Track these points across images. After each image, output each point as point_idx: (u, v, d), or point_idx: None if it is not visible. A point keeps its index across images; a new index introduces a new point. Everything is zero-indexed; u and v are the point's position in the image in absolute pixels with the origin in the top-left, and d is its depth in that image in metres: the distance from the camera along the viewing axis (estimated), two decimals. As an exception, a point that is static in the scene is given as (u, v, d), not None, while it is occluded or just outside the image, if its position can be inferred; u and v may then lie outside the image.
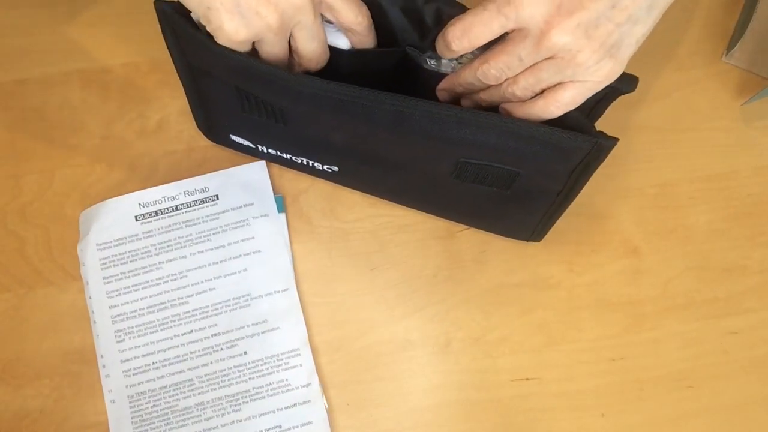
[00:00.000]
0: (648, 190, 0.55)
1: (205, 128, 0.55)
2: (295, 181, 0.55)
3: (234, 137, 0.52)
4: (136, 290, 0.51)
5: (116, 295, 0.51)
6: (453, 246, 0.54)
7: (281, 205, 0.54)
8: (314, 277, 0.53)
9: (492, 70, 0.41)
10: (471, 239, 0.54)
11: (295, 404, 0.49)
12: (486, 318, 0.52)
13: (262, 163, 0.55)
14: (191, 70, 0.48)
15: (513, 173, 0.44)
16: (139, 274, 0.52)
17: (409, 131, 0.42)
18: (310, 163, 0.52)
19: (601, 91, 0.41)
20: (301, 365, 0.50)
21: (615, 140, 0.41)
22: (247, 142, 0.52)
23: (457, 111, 0.41)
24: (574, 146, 0.41)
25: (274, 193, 0.54)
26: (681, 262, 0.54)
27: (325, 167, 0.51)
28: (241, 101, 0.47)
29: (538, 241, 0.53)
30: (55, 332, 0.51)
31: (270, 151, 0.52)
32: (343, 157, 0.50)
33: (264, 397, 0.49)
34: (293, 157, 0.52)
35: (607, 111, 0.57)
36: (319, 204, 0.55)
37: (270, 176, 0.54)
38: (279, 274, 0.52)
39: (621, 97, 0.57)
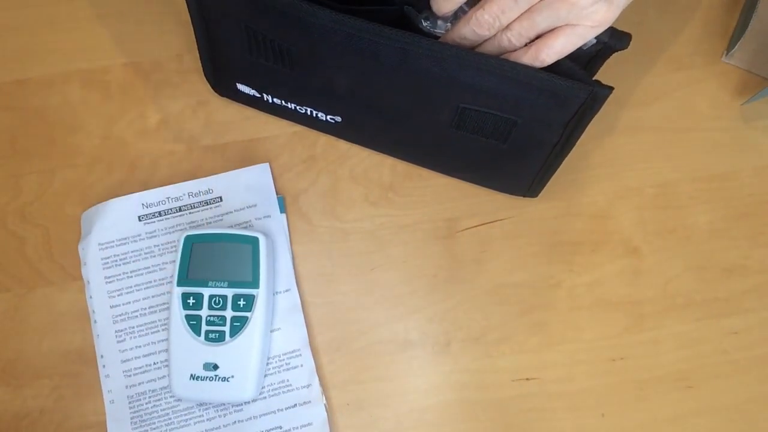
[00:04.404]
0: (648, 190, 0.55)
1: (212, 77, 0.55)
2: (295, 181, 0.55)
3: (240, 86, 0.53)
4: (138, 290, 0.51)
5: (118, 295, 0.51)
6: (453, 246, 0.54)
7: (282, 206, 0.54)
8: (314, 278, 0.53)
9: (486, 15, 0.40)
10: (471, 239, 0.54)
11: (296, 405, 0.49)
12: (486, 318, 0.52)
13: (266, 165, 0.55)
14: (202, 10, 0.48)
15: (511, 122, 0.45)
16: (142, 274, 0.52)
17: (412, 71, 0.44)
18: (314, 113, 0.52)
19: (593, 47, 0.42)
20: (301, 366, 0.50)
21: (610, 89, 0.41)
22: (253, 92, 0.53)
23: (459, 51, 0.42)
24: (571, 94, 0.42)
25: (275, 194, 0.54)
26: (681, 262, 0.54)
27: (329, 118, 0.52)
28: (249, 42, 0.47)
29: (535, 196, 0.53)
30: (55, 332, 0.51)
31: (275, 101, 0.53)
32: (346, 105, 0.50)
33: (265, 398, 0.49)
34: (298, 107, 0.52)
35: (606, 111, 0.57)
36: (319, 204, 0.55)
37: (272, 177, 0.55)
38: (280, 274, 0.52)
39: (621, 97, 0.57)
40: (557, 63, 0.42)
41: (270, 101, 0.53)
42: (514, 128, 0.46)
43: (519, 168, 0.50)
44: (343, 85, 0.48)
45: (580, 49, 0.42)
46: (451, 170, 0.55)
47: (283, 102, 0.53)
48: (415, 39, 0.42)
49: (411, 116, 0.49)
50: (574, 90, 0.42)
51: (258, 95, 0.53)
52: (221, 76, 0.54)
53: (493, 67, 0.42)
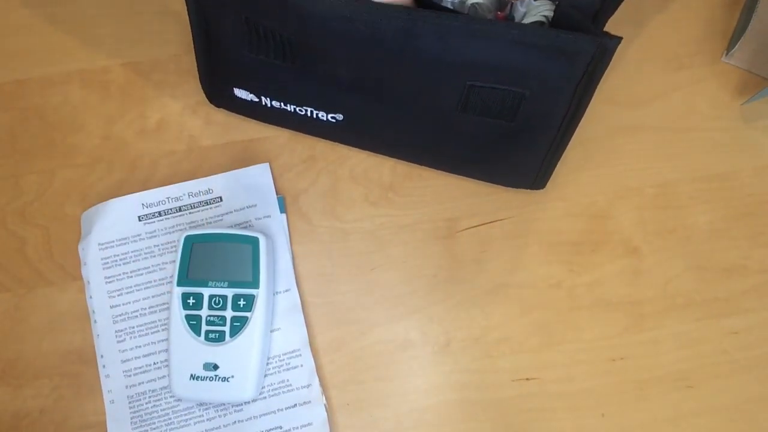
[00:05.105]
0: (648, 190, 0.55)
1: (208, 84, 0.55)
2: (295, 181, 0.55)
3: (237, 92, 0.52)
4: (138, 290, 0.51)
5: (118, 295, 0.51)
6: (453, 246, 0.54)
7: (282, 206, 0.54)
8: (314, 278, 0.53)
9: None
10: (471, 239, 0.54)
11: (296, 405, 0.49)
12: (486, 318, 0.52)
13: (266, 165, 0.55)
14: (201, 6, 0.48)
15: (519, 96, 0.45)
16: (142, 274, 0.52)
17: (416, 51, 0.43)
18: (314, 113, 0.52)
19: None
20: (301, 366, 0.50)
21: (618, 39, 0.41)
22: (251, 96, 0.52)
23: (464, 19, 0.41)
24: (579, 49, 0.41)
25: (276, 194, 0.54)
26: (681, 262, 0.54)
27: (329, 117, 0.51)
28: (250, 36, 0.47)
29: (541, 187, 0.53)
30: (55, 332, 0.51)
31: (274, 103, 0.52)
32: (348, 98, 0.49)
33: (265, 398, 0.49)
34: (297, 109, 0.52)
35: (606, 111, 0.57)
36: (319, 204, 0.55)
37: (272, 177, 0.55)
38: (280, 274, 0.52)
39: (620, 97, 0.57)
40: (566, 17, 0.42)
41: (268, 105, 0.53)
42: (522, 103, 0.45)
43: (526, 152, 0.50)
44: (346, 74, 0.47)
45: (582, 1, 0.42)
46: (455, 166, 0.54)
47: (281, 104, 0.52)
48: (415, 13, 0.41)
49: (416, 102, 0.48)
50: (582, 44, 0.41)
51: (256, 99, 0.53)
52: (218, 82, 0.54)
53: (500, 33, 0.41)
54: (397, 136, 0.53)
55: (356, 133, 0.54)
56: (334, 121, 0.52)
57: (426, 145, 0.53)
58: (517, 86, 0.44)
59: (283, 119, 0.54)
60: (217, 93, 0.55)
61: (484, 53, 0.42)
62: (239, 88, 0.52)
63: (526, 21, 0.45)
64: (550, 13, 0.44)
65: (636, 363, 0.51)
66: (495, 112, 0.46)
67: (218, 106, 0.56)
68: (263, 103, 0.53)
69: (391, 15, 0.41)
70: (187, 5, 0.49)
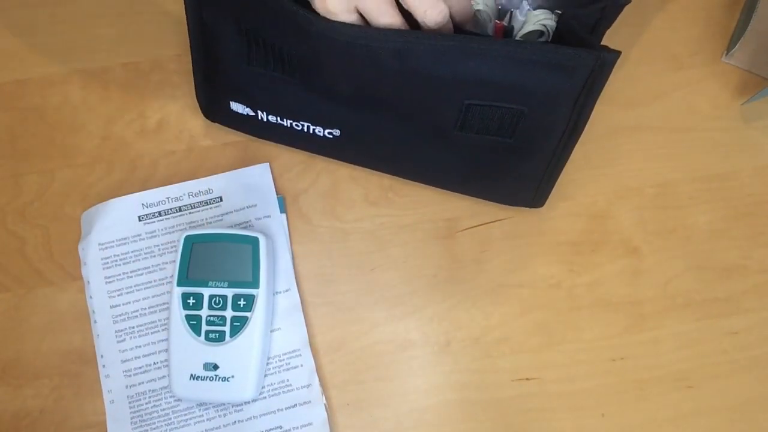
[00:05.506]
0: (648, 190, 0.55)
1: (204, 98, 0.54)
2: (295, 181, 0.55)
3: (234, 105, 0.52)
4: (138, 290, 0.51)
5: (118, 295, 0.51)
6: (453, 246, 0.54)
7: (282, 206, 0.54)
8: (314, 278, 0.53)
9: None
10: (471, 239, 0.54)
11: (296, 405, 0.49)
12: (486, 318, 0.52)
13: (266, 165, 0.55)
14: (202, 15, 0.48)
15: (517, 113, 0.45)
16: (142, 274, 0.52)
17: (414, 72, 0.43)
18: (311, 129, 0.51)
19: (599, 4, 0.42)
20: (301, 366, 0.50)
21: (617, 53, 0.41)
22: (247, 110, 0.52)
23: (459, 39, 0.41)
24: (578, 63, 0.41)
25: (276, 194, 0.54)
26: (681, 262, 0.54)
27: (326, 132, 0.51)
28: (249, 47, 0.47)
29: (540, 205, 0.53)
30: (55, 332, 0.51)
31: (270, 118, 0.52)
32: (347, 114, 0.49)
33: (265, 398, 0.49)
34: (294, 124, 0.51)
35: (606, 111, 0.57)
36: (319, 204, 0.55)
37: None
38: (280, 274, 0.52)
39: (621, 97, 0.57)
40: (567, 31, 0.42)
41: (264, 119, 0.52)
42: (521, 120, 0.45)
43: (526, 169, 0.50)
44: (345, 90, 0.47)
45: (582, 12, 0.42)
46: (453, 184, 0.54)
47: (278, 119, 0.51)
48: (412, 36, 0.42)
49: (414, 121, 0.48)
50: (581, 58, 0.41)
51: (252, 113, 0.52)
52: (215, 95, 0.53)
53: (498, 51, 0.41)
54: (394, 153, 0.52)
55: (353, 149, 0.53)
56: (331, 136, 0.51)
57: (423, 163, 0.52)
58: (516, 103, 0.44)
59: (279, 134, 0.54)
60: (213, 107, 0.54)
61: (481, 72, 0.42)
62: (235, 101, 0.52)
63: (525, 30, 0.45)
64: (549, 22, 0.44)
65: (636, 363, 0.51)
66: (493, 129, 0.46)
67: (214, 120, 0.55)
68: (259, 117, 0.52)
69: (387, 38, 0.42)
70: (187, 17, 0.48)
